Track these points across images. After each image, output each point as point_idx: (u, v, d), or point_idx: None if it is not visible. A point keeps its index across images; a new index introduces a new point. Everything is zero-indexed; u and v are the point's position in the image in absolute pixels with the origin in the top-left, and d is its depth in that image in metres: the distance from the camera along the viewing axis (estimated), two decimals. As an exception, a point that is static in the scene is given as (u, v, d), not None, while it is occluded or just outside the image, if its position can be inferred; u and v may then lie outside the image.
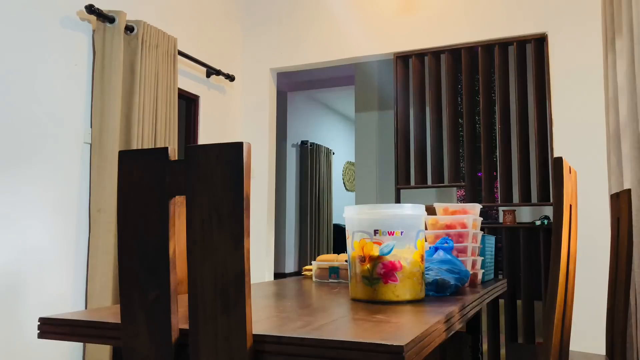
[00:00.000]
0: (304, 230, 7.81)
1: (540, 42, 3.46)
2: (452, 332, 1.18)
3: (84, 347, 2.70)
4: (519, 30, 3.48)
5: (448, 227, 1.77)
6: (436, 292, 1.46)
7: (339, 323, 1.04)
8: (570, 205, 1.31)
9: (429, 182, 3.85)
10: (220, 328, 0.89)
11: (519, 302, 3.57)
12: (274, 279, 4.03)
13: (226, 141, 0.89)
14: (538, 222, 3.42)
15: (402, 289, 1.30)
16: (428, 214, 1.89)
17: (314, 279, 1.98)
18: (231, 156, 0.89)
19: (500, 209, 4.20)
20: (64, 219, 2.67)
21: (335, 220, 8.63)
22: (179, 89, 3.60)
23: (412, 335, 0.89)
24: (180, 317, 0.95)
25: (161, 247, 0.94)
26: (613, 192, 2.55)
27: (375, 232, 1.31)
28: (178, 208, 1.30)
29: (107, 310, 1.24)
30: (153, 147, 3.10)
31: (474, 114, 3.71)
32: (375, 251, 1.30)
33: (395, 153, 3.79)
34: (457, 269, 1.52)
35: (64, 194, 2.68)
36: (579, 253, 3.12)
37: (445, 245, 1.60)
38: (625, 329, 1.85)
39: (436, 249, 1.60)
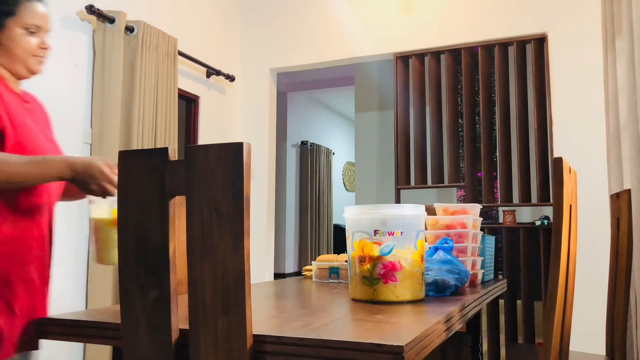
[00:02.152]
0: (304, 230, 7.80)
1: (540, 42, 3.46)
2: (452, 332, 1.18)
3: (84, 347, 2.70)
4: (519, 30, 3.48)
5: (448, 227, 1.77)
6: (436, 292, 1.46)
7: (339, 323, 1.04)
8: (570, 205, 1.32)
9: (429, 182, 3.85)
10: (220, 328, 0.89)
11: (519, 302, 3.57)
12: (274, 279, 4.03)
13: (226, 141, 0.89)
14: (538, 222, 3.42)
15: (402, 289, 1.30)
16: (428, 214, 1.89)
17: (314, 279, 1.98)
18: (231, 156, 0.89)
19: (500, 209, 4.20)
20: (63, 218, 2.67)
21: (335, 220, 8.62)
22: (179, 89, 3.60)
23: (412, 335, 0.89)
24: (180, 317, 0.95)
25: (161, 247, 0.94)
26: (613, 192, 2.55)
27: (375, 232, 1.31)
28: (178, 208, 1.30)
29: (107, 310, 1.24)
30: (153, 147, 3.11)
31: (474, 114, 3.71)
32: (375, 251, 1.30)
33: (395, 153, 3.79)
34: (457, 269, 1.52)
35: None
36: (579, 253, 3.11)
37: (445, 245, 1.60)
38: (625, 329, 1.85)
39: (436, 249, 1.60)
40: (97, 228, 1.22)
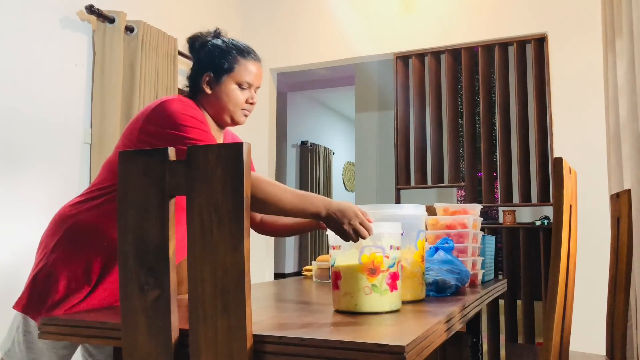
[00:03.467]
0: (304, 231, 7.79)
1: (540, 42, 3.46)
2: (453, 332, 1.18)
3: (84, 347, 2.70)
4: (519, 30, 3.48)
5: (448, 227, 1.77)
6: (437, 292, 1.46)
7: (339, 323, 1.04)
8: (570, 206, 1.31)
9: (429, 183, 3.84)
10: (220, 328, 0.89)
11: (519, 302, 3.56)
12: (274, 279, 4.03)
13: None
14: (538, 222, 3.42)
15: (402, 289, 1.30)
16: (428, 214, 1.89)
17: (314, 279, 1.98)
18: (231, 156, 0.89)
19: (500, 209, 4.19)
20: (63, 219, 2.67)
21: (335, 220, 8.61)
22: (179, 90, 3.60)
23: (413, 335, 0.89)
24: (180, 317, 0.95)
25: (161, 247, 0.94)
26: (613, 192, 2.55)
27: (376, 232, 1.30)
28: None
29: (107, 310, 1.24)
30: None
31: (474, 114, 3.70)
32: (376, 251, 1.30)
33: (395, 153, 3.79)
34: (458, 269, 1.51)
35: (64, 194, 2.68)
36: (579, 253, 3.11)
37: (446, 245, 1.60)
38: (625, 329, 1.85)
39: (436, 249, 1.60)
40: (342, 274, 1.17)
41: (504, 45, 3.58)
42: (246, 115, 1.55)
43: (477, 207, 1.83)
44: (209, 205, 0.90)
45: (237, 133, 4.57)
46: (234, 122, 1.53)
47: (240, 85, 1.50)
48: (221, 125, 1.55)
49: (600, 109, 3.16)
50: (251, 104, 1.54)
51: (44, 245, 1.40)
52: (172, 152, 0.95)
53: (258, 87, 1.56)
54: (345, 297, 1.16)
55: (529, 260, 3.48)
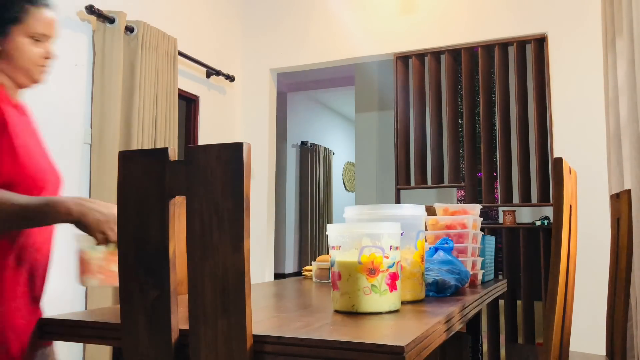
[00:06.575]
0: (304, 231, 7.80)
1: (540, 42, 3.46)
2: (453, 332, 1.18)
3: (84, 347, 2.70)
4: (519, 31, 3.48)
5: (448, 227, 1.77)
6: (436, 292, 1.46)
7: (339, 323, 1.04)
8: (570, 206, 1.31)
9: (429, 183, 3.84)
10: (220, 328, 0.89)
11: (519, 302, 3.57)
12: (274, 279, 4.03)
13: (226, 141, 0.89)
14: (538, 223, 3.42)
15: (402, 289, 1.30)
16: (428, 215, 1.89)
17: (314, 279, 1.98)
18: (231, 156, 0.89)
19: (500, 209, 4.19)
20: (64, 219, 2.67)
21: (336, 220, 8.62)
22: (179, 89, 3.60)
23: (412, 335, 0.89)
24: (180, 317, 0.95)
25: (161, 247, 0.94)
26: (613, 192, 2.55)
27: (376, 232, 1.30)
28: (178, 208, 1.30)
29: (107, 310, 1.24)
30: (153, 147, 3.11)
31: (474, 114, 3.70)
32: (376, 251, 1.30)
33: (395, 153, 3.79)
34: (457, 270, 1.51)
35: (63, 194, 2.68)
36: (579, 253, 3.11)
37: (446, 245, 1.60)
38: (625, 329, 1.85)
39: (436, 249, 1.60)
40: (341, 274, 1.16)
41: (504, 45, 3.58)
42: (44, 72, 1.39)
43: (477, 207, 1.83)
44: (209, 205, 0.90)
45: (238, 134, 4.58)
46: (33, 81, 1.37)
47: (33, 38, 1.30)
48: (19, 85, 1.37)
49: (600, 109, 3.16)
50: (48, 58, 1.37)
51: None
52: (172, 152, 0.95)
53: (53, 38, 1.36)
54: (344, 297, 1.16)
55: (529, 260, 3.48)
